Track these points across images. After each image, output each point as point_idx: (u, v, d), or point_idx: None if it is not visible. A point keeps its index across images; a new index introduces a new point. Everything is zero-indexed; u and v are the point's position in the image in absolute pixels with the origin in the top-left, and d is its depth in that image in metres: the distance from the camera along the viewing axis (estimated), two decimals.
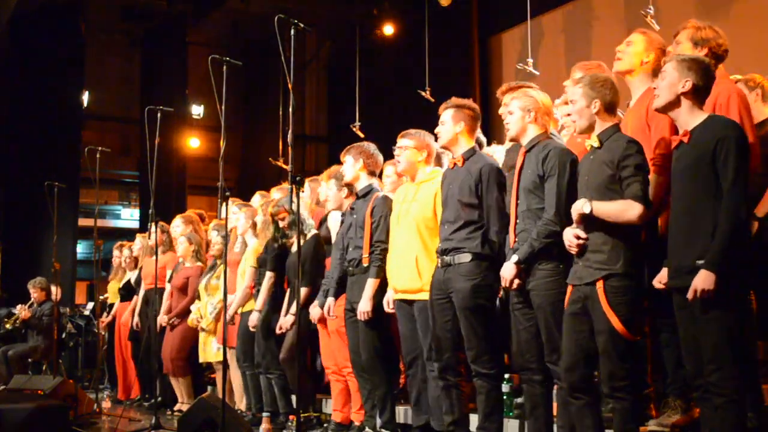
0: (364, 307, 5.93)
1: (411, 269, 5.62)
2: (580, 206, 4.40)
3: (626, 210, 4.32)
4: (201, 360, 8.39)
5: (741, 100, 4.82)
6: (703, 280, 3.87)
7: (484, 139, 6.38)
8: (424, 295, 5.50)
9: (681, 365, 4.65)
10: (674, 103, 4.19)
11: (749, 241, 4.28)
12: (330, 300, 6.32)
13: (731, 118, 4.38)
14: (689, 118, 4.15)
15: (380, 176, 6.70)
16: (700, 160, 4.02)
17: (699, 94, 4.18)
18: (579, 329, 4.44)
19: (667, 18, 9.36)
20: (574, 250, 4.47)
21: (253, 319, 7.26)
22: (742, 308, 4.00)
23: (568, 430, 4.65)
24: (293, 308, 6.82)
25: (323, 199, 7.12)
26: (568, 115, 5.18)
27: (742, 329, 3.99)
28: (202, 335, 8.30)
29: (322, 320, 6.55)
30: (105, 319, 10.73)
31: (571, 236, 4.47)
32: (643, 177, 4.38)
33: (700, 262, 3.95)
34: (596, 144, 4.51)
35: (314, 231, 7.09)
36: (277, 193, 8.08)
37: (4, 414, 7.18)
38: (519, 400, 5.63)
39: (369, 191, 6.32)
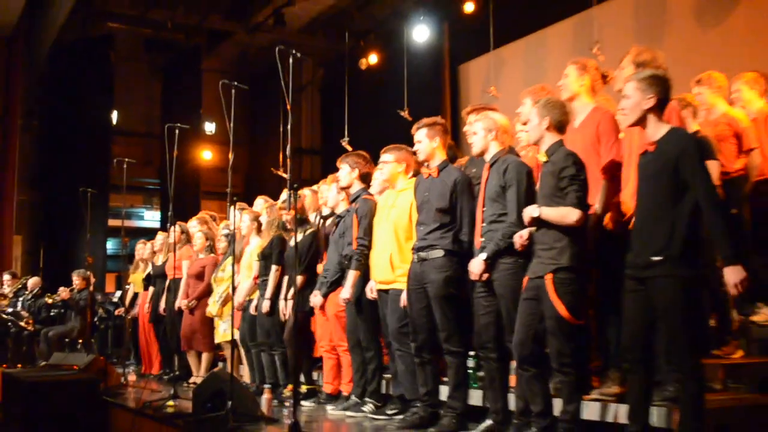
0: (345, 294, 6.02)
1: (386, 264, 5.67)
2: (531, 211, 4.46)
3: (566, 215, 4.36)
4: (215, 341, 8.40)
5: (677, 114, 4.85)
6: (736, 275, 3.83)
7: (454, 147, 6.40)
8: (396, 285, 5.58)
9: (620, 342, 4.69)
10: (641, 119, 4.11)
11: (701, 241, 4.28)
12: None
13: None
14: (654, 130, 4.08)
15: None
16: (664, 168, 3.97)
17: (661, 106, 4.10)
18: (530, 312, 4.47)
19: (609, 49, 9.42)
20: (518, 247, 4.57)
21: (266, 306, 7.22)
22: (694, 300, 3.97)
23: (524, 399, 4.68)
24: (290, 294, 6.84)
25: (324, 200, 7.11)
26: (522, 130, 5.23)
27: (695, 316, 3.96)
28: (214, 319, 8.31)
29: (322, 307, 6.55)
30: (132, 311, 10.67)
31: (517, 237, 4.57)
32: (578, 186, 4.40)
33: (656, 258, 3.92)
34: (544, 158, 4.55)
35: (313, 229, 7.08)
36: (284, 196, 8.09)
37: (45, 385, 7.18)
38: (481, 373, 5.65)
39: (359, 196, 6.33)
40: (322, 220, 7.13)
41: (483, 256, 4.82)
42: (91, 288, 11.30)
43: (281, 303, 7.03)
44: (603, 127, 4.86)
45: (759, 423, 4.79)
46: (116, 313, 11.69)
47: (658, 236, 3.95)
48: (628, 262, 4.15)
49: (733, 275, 3.84)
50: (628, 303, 4.15)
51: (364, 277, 6.01)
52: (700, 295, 4.11)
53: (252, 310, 7.49)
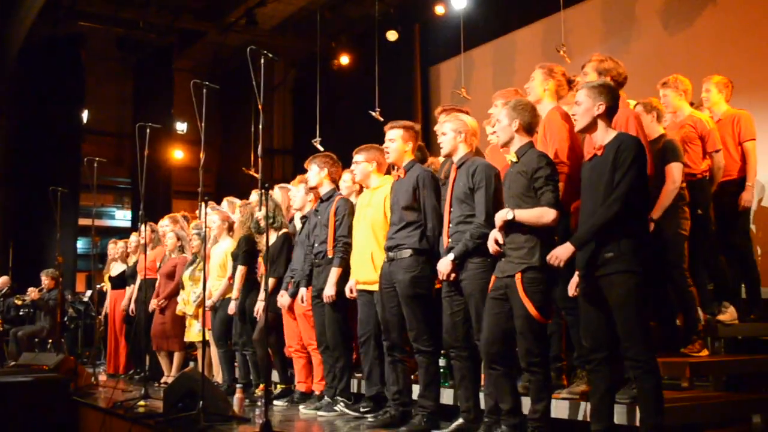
0: (329, 291, 5.97)
1: (368, 264, 5.64)
2: (504, 214, 4.44)
3: (543, 216, 4.38)
4: (186, 339, 8.35)
5: (637, 121, 4.91)
6: (561, 251, 4.14)
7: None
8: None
9: None
10: (592, 125, 4.22)
11: (650, 238, 4.35)
12: (303, 290, 6.31)
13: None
14: (603, 135, 4.19)
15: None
16: (606, 169, 4.06)
17: (610, 114, 4.22)
18: (498, 311, 4.48)
19: (577, 53, 9.48)
20: (492, 252, 4.55)
21: (232, 307, 7.21)
22: (646, 295, 4.03)
23: (493, 398, 4.68)
24: (262, 295, 6.81)
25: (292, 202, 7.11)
26: (494, 132, 5.24)
27: (647, 311, 4.04)
28: (187, 319, 8.25)
29: (291, 307, 6.53)
30: (103, 309, 10.59)
31: (492, 241, 4.53)
32: (553, 186, 4.44)
33: (609, 254, 3.98)
34: (515, 159, 4.57)
35: (285, 230, 7.06)
36: (254, 196, 8.09)
37: (14, 386, 7.10)
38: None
39: (331, 195, 6.33)
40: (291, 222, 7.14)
41: (451, 256, 4.83)
42: (61, 287, 11.18)
43: (259, 304, 6.98)
44: (547, 127, 4.93)
45: (725, 420, 4.84)
46: (100, 315, 11.55)
47: (606, 234, 4.03)
48: (578, 262, 4.21)
49: (562, 251, 4.13)
50: (584, 304, 4.20)
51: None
52: (652, 290, 4.16)
53: (231, 311, 7.45)
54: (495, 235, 4.53)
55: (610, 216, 3.98)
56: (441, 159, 6.20)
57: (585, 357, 4.29)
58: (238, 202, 8.13)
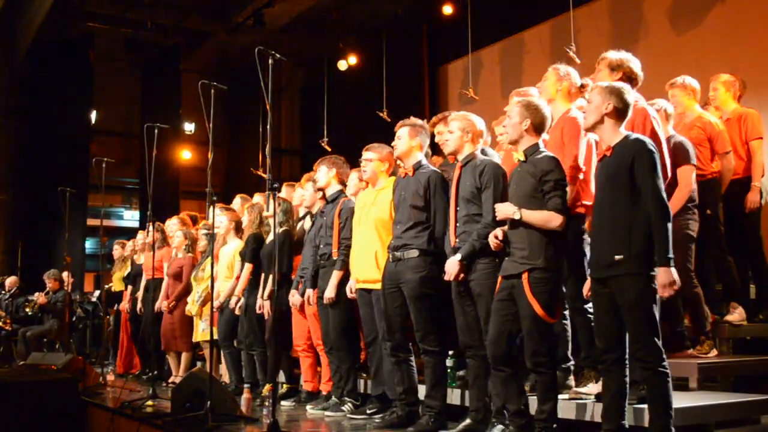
0: (329, 293, 6.01)
1: (371, 263, 5.63)
2: (511, 212, 4.45)
3: (550, 220, 4.39)
4: (194, 339, 8.37)
5: (653, 120, 4.88)
6: (666, 277, 3.92)
7: (429, 152, 6.42)
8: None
9: (593, 343, 4.70)
10: (599, 122, 4.23)
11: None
12: (309, 291, 6.34)
13: (646, 136, 4.45)
14: (612, 135, 4.20)
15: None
16: (619, 171, 4.07)
17: (619, 115, 4.22)
18: (504, 313, 4.49)
19: (585, 53, 9.46)
20: (493, 248, 4.58)
21: (233, 303, 7.21)
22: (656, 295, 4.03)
23: (501, 398, 4.68)
24: (266, 293, 6.83)
25: (299, 201, 7.12)
26: (503, 133, 5.23)
27: (657, 311, 4.03)
28: (194, 318, 8.27)
29: (302, 306, 6.56)
30: (122, 306, 10.59)
31: (491, 238, 4.57)
32: (561, 191, 4.44)
33: (619, 257, 3.99)
34: (522, 158, 4.58)
35: (286, 227, 7.05)
36: (258, 198, 8.10)
37: (23, 385, 7.11)
38: (460, 372, 5.66)
39: (337, 197, 6.34)
40: (302, 221, 7.14)
41: (458, 256, 4.83)
42: (67, 287, 11.21)
43: (259, 301, 7.01)
44: (567, 131, 4.93)
45: (734, 422, 4.83)
46: (108, 315, 11.54)
47: (617, 236, 4.04)
48: (590, 264, 4.24)
49: (664, 276, 3.93)
50: (596, 305, 4.22)
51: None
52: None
53: (237, 311, 7.46)
54: (496, 232, 4.55)
55: (666, 222, 3.95)
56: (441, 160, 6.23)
57: (597, 357, 4.29)
58: (249, 200, 8.13)
